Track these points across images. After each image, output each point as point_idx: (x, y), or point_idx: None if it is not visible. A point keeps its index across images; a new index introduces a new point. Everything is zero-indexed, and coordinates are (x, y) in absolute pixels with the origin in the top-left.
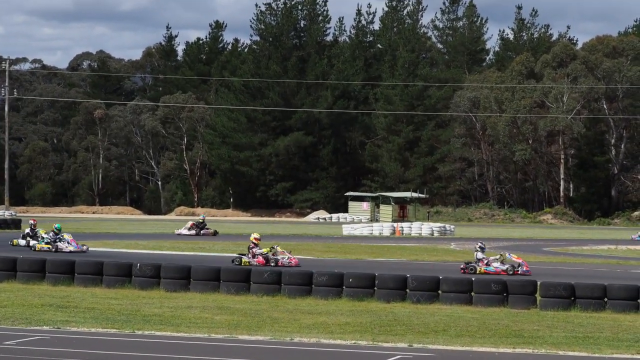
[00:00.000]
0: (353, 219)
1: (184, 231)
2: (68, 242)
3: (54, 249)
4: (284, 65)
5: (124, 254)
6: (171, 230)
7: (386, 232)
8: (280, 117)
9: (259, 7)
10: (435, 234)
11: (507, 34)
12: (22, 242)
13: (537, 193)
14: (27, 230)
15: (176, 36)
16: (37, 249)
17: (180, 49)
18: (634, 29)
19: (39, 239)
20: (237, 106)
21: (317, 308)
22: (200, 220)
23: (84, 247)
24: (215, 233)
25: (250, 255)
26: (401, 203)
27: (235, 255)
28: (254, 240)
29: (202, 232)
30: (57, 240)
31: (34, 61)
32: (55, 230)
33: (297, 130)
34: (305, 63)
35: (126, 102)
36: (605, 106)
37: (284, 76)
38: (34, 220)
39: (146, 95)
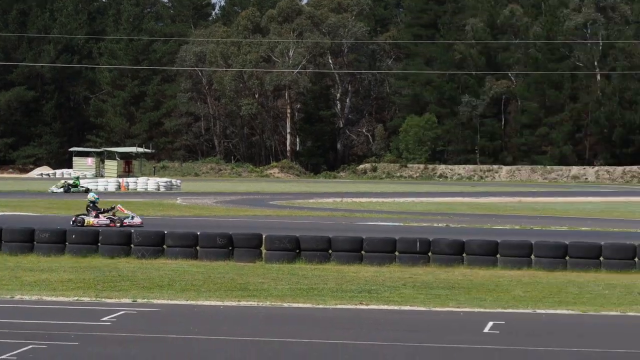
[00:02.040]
0: (78, 175)
1: None
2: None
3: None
4: (4, 19)
5: None
6: None
7: (111, 188)
8: (0, 71)
9: None
10: (162, 189)
11: None
12: None
13: (264, 147)
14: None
15: None
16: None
17: None
18: None
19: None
20: None
21: (39, 265)
22: None
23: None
24: None
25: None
26: (127, 158)
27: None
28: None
29: None
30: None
31: None
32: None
33: (19, 85)
34: (27, 16)
35: None
36: (330, 61)
37: (4, 30)
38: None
39: None
